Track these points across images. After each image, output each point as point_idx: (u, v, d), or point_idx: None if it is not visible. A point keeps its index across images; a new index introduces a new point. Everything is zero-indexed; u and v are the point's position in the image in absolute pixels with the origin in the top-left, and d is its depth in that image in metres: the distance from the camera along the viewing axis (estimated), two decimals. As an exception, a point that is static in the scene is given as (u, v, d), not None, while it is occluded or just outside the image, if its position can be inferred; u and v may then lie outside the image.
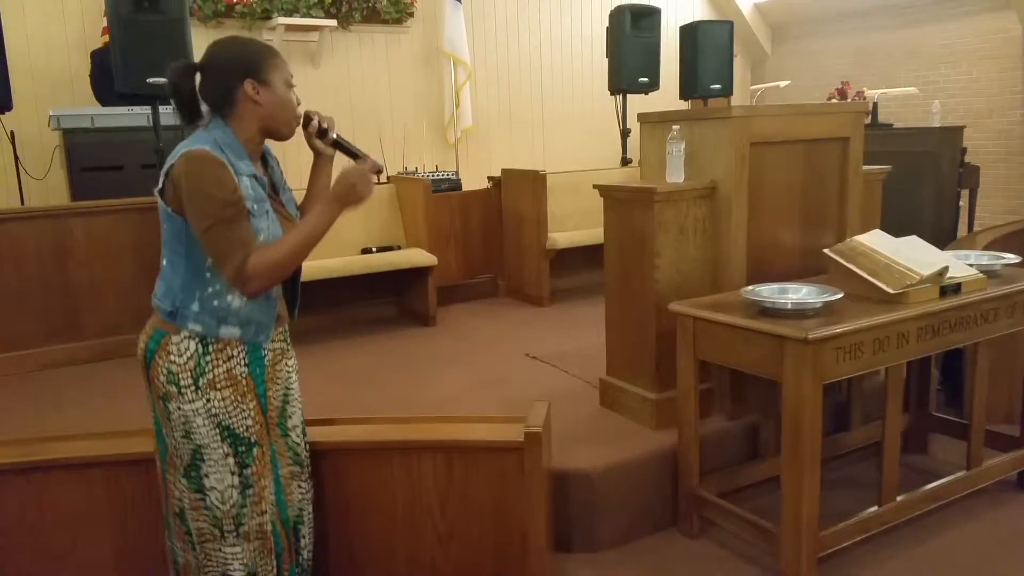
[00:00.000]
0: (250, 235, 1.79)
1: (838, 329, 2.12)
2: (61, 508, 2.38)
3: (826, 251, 2.59)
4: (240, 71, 1.81)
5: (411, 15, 6.57)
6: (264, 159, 1.97)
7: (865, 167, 3.07)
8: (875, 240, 2.55)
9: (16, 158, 4.66)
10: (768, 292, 2.37)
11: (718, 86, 5.95)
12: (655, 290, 2.73)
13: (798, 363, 2.10)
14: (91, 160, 4.64)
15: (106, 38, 4.88)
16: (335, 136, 2.00)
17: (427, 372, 3.67)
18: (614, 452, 2.63)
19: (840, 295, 2.30)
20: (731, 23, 6.13)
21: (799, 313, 2.24)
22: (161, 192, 1.79)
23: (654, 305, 2.74)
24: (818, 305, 2.26)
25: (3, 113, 4.08)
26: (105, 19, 4.76)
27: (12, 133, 4.53)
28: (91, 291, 3.91)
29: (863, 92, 6.32)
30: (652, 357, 2.80)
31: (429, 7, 6.65)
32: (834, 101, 6.17)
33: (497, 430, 2.37)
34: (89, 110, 4.80)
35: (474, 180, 5.85)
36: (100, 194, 4.21)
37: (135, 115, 4.64)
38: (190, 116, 1.85)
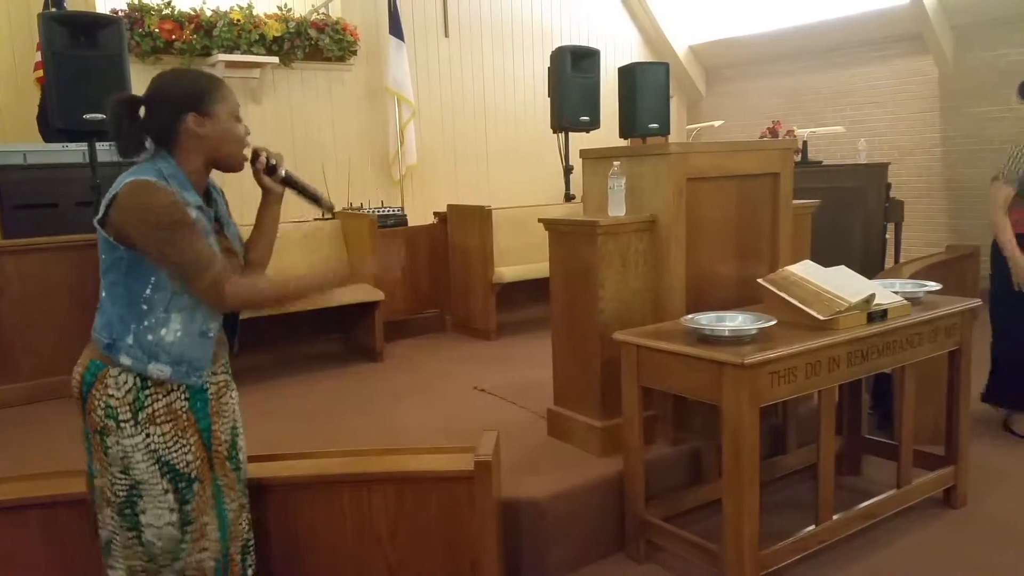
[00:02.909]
0: (210, 250, 1.79)
1: (772, 354, 2.22)
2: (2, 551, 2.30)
3: (760, 281, 2.71)
4: (184, 103, 1.80)
5: (354, 53, 6.64)
6: (208, 193, 1.94)
7: (796, 201, 3.23)
8: (806, 270, 2.68)
9: (-56, 195, 4.53)
10: (707, 320, 2.47)
11: (656, 125, 6.14)
12: (599, 320, 2.81)
13: (736, 387, 2.19)
14: (24, 197, 4.52)
15: (39, 73, 4.80)
16: (284, 173, 2.01)
17: (375, 407, 3.66)
18: (562, 480, 2.68)
19: (774, 322, 2.41)
20: (667, 64, 6.37)
21: (736, 340, 2.34)
22: (102, 222, 1.77)
23: (599, 335, 2.81)
24: (754, 332, 2.36)
25: None
26: (39, 53, 4.70)
27: None
28: (25, 331, 3.81)
29: (793, 131, 6.62)
30: (597, 386, 2.86)
31: (372, 46, 6.73)
32: (766, 139, 6.44)
33: (447, 460, 2.39)
34: (21, 146, 4.69)
35: (420, 216, 5.90)
36: (34, 232, 4.11)
37: (70, 151, 4.57)
38: (132, 149, 1.82)
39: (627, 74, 6.12)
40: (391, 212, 5.60)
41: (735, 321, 2.47)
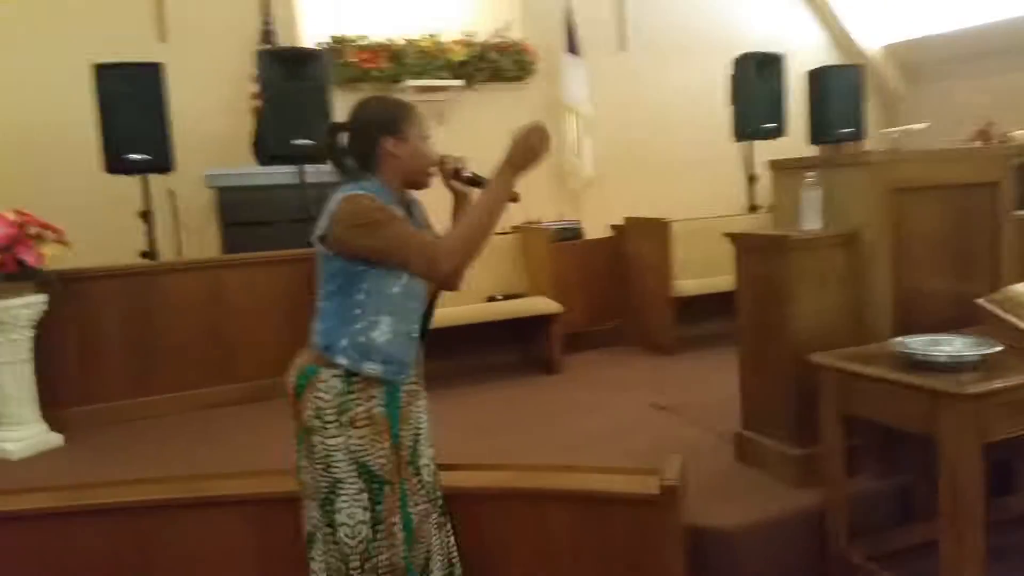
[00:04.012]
0: (423, 234, 1.93)
1: (999, 384, 1.99)
2: (214, 543, 2.53)
3: (979, 301, 2.44)
4: (381, 127, 1.97)
5: (533, 72, 6.78)
6: (408, 206, 2.09)
7: (1018, 212, 2.89)
8: (1035, 289, 2.39)
9: (175, 214, 5.09)
10: (919, 344, 2.25)
11: (849, 130, 5.78)
12: (794, 340, 2.65)
13: (955, 420, 1.98)
14: (242, 216, 4.96)
15: (255, 102, 5.30)
16: (469, 173, 2.10)
17: (552, 420, 3.67)
18: (753, 510, 2.54)
19: (1000, 348, 2.16)
20: (860, 66, 5.97)
21: (955, 367, 2.12)
22: (321, 237, 1.94)
23: (793, 356, 2.65)
24: (975, 358, 2.13)
25: (165, 174, 4.50)
26: (254, 84, 5.19)
27: (172, 192, 4.94)
28: (245, 336, 4.19)
29: (1008, 134, 5.95)
30: (792, 410, 2.70)
31: (550, 63, 6.83)
32: (976, 144, 5.85)
33: (630, 482, 2.35)
34: (240, 169, 5.18)
35: (597, 228, 5.89)
36: (249, 248, 4.52)
37: (282, 174, 4.94)
38: (343, 170, 2.03)
39: (817, 78, 5.80)
40: (568, 225, 5.64)
41: (952, 345, 2.23)
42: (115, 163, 4.29)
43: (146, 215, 4.47)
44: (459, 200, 2.14)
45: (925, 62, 7.81)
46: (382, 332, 1.96)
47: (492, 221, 1.90)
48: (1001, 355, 2.15)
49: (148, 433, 3.74)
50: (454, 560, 2.20)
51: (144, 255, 4.47)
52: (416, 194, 2.13)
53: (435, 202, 2.25)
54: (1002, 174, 2.81)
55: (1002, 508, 2.75)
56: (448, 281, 2.00)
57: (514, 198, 1.99)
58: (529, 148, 1.90)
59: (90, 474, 3.03)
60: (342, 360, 1.94)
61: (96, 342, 3.92)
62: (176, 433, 3.74)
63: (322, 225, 1.95)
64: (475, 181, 2.09)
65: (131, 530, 2.56)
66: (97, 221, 5.26)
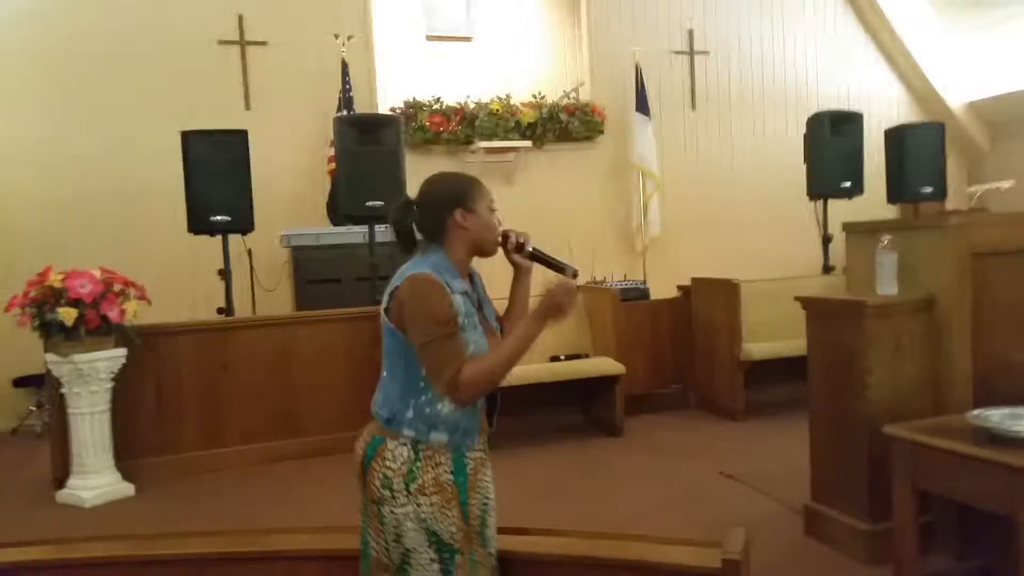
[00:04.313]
0: (462, 350, 1.92)
1: (1086, 464, 1.86)
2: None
3: (1069, 373, 2.30)
4: (450, 202, 2.01)
5: (601, 132, 6.85)
6: (471, 277, 2.12)
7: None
8: None
9: (252, 272, 5.30)
10: (999, 417, 2.14)
11: (929, 189, 5.59)
12: (867, 410, 2.55)
13: (1041, 501, 1.85)
14: (314, 273, 5.17)
15: (331, 166, 5.51)
16: (531, 249, 2.12)
17: (615, 485, 3.60)
18: (822, 587, 2.42)
19: (1086, 423, 2.02)
20: (942, 125, 5.81)
21: (1038, 443, 1.99)
22: (387, 310, 1.98)
23: (866, 427, 2.54)
24: (1061, 434, 1.99)
25: (246, 234, 4.70)
26: (331, 148, 5.41)
27: (250, 251, 5.16)
28: (310, 392, 4.27)
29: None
30: (864, 483, 2.58)
31: (619, 122, 6.90)
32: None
33: (692, 554, 2.26)
34: (315, 229, 5.40)
35: (662, 288, 5.83)
36: (321, 304, 4.66)
37: (352, 233, 5.14)
38: (409, 246, 2.06)
39: (895, 136, 5.67)
40: (633, 285, 5.61)
41: (1035, 420, 2.11)
42: (199, 224, 4.50)
43: (224, 273, 4.65)
44: (519, 274, 2.17)
45: (1011, 118, 7.55)
46: (447, 404, 1.96)
47: (516, 360, 1.97)
48: (1088, 431, 2.02)
49: (216, 484, 3.84)
50: None
51: (220, 311, 4.64)
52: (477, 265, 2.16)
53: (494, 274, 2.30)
54: (1091, 237, 2.67)
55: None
56: (459, 404, 1.97)
57: (574, 275, 2.06)
58: (556, 305, 1.95)
59: (158, 524, 3.12)
60: (408, 432, 1.95)
61: (171, 395, 4.07)
62: (242, 485, 3.83)
63: (386, 299, 1.99)
64: (537, 256, 2.12)
65: None
66: (179, 279, 5.55)
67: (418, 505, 1.93)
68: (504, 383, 2.20)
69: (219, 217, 4.48)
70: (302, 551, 2.57)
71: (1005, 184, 6.62)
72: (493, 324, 2.14)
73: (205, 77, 5.84)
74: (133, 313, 3.69)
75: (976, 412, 2.20)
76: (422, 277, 1.93)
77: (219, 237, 4.64)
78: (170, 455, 4.02)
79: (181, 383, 4.09)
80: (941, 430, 2.24)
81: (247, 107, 5.94)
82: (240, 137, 4.56)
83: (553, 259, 2.12)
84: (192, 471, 3.99)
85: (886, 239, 2.65)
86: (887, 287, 2.63)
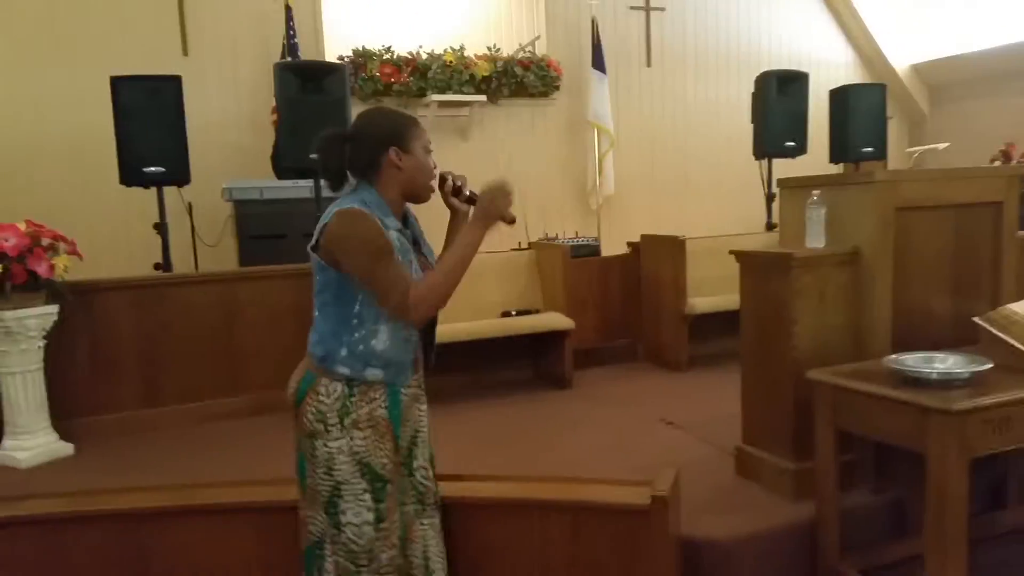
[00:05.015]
0: (405, 270, 1.95)
1: (986, 401, 2.00)
2: (215, 551, 2.57)
3: (977, 319, 2.44)
4: (386, 140, 2.00)
5: (557, 88, 6.84)
6: (406, 217, 2.14)
7: (1021, 232, 2.88)
8: (1034, 309, 2.38)
9: (192, 226, 5.19)
10: (913, 361, 2.26)
11: (871, 149, 5.74)
12: (793, 357, 2.66)
13: (943, 436, 1.98)
14: (258, 229, 5.03)
15: (275, 116, 5.37)
16: (468, 192, 2.14)
17: (559, 434, 3.70)
18: (749, 523, 2.55)
19: (989, 365, 2.16)
20: (884, 86, 5.95)
21: (945, 384, 2.13)
22: (315, 247, 1.99)
23: (792, 373, 2.66)
24: (965, 375, 2.13)
25: (182, 186, 4.55)
26: (274, 99, 5.28)
27: (190, 204, 5.02)
28: (254, 349, 4.21)
29: (1030, 153, 5.89)
30: (790, 426, 2.71)
31: (574, 79, 6.89)
32: (997, 163, 5.78)
33: (623, 493, 2.38)
34: (258, 183, 5.25)
35: (615, 245, 5.91)
36: (265, 260, 4.54)
37: (298, 188, 5.04)
38: (337, 182, 2.05)
39: (839, 97, 5.79)
40: (585, 242, 5.67)
41: (945, 363, 2.24)
42: (131, 176, 4.32)
43: (160, 227, 4.51)
44: (456, 217, 2.18)
45: (951, 82, 7.75)
46: (380, 340, 2.00)
47: (462, 271, 1.99)
48: (991, 373, 2.15)
49: (157, 443, 3.78)
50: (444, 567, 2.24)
51: (158, 267, 4.53)
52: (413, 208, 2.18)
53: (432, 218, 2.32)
54: (1007, 194, 2.80)
55: (995, 522, 2.73)
56: (413, 323, 2.01)
57: (510, 221, 2.07)
58: (493, 208, 1.99)
59: (96, 483, 3.05)
60: (343, 369, 1.99)
61: (108, 353, 3.95)
62: (184, 444, 3.78)
63: (316, 235, 2.00)
64: (474, 200, 2.12)
65: (132, 538, 2.60)
66: (114, 233, 5.42)
67: (351, 439, 1.99)
68: (455, 338, 2.26)
69: (153, 168, 4.29)
70: (239, 503, 2.61)
71: (941, 145, 6.82)
72: (432, 262, 2.15)
73: (138, 20, 5.61)
74: (64, 268, 3.53)
75: (893, 356, 2.33)
76: (351, 211, 1.93)
77: (155, 190, 4.48)
78: (109, 414, 3.93)
79: (119, 341, 3.97)
80: (861, 374, 2.36)
81: (184, 52, 5.73)
82: (174, 83, 4.36)
83: None
84: (133, 430, 3.91)
85: (816, 195, 2.74)
86: (815, 240, 2.74)
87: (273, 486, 2.64)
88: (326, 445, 1.99)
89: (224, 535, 2.56)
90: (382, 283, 1.92)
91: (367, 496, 2.01)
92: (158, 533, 2.58)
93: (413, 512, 2.18)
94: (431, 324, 2.18)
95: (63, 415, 3.73)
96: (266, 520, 2.55)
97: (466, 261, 1.99)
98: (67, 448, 3.64)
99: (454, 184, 2.13)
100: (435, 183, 2.11)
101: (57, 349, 3.69)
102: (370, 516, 2.01)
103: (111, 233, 5.42)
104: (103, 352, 3.95)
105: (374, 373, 2.01)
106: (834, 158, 5.88)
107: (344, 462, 1.99)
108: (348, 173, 2.05)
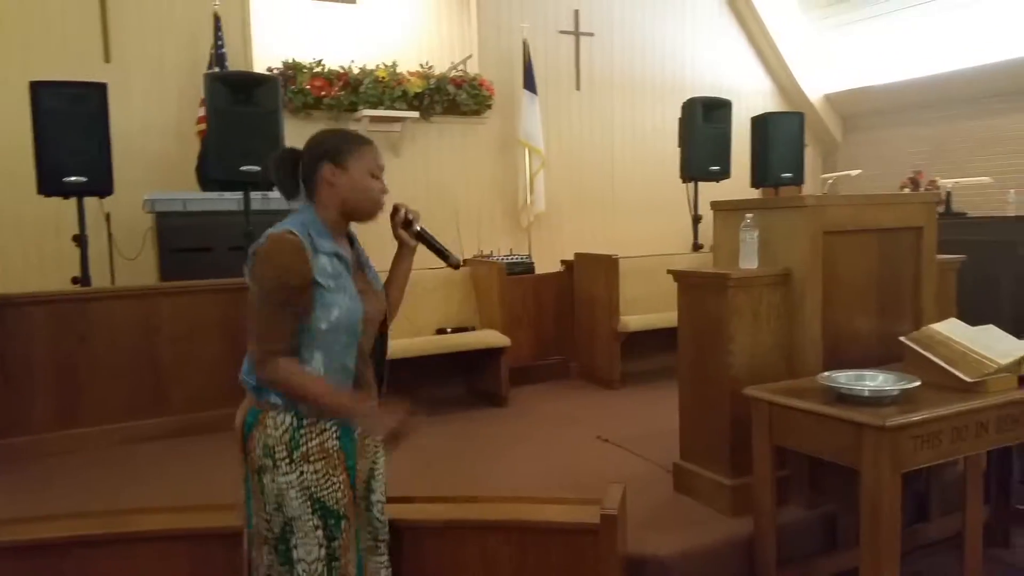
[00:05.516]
0: (287, 328, 1.87)
1: (916, 417, 2.11)
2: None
3: (902, 339, 2.57)
4: (323, 154, 1.98)
5: (489, 107, 6.90)
6: (351, 238, 2.09)
7: (940, 256, 3.06)
8: (951, 328, 2.54)
9: (110, 239, 4.96)
10: (845, 379, 2.37)
11: (789, 175, 6.00)
12: (729, 375, 2.75)
13: (876, 451, 2.08)
14: (181, 242, 4.81)
15: (202, 126, 5.23)
16: (419, 228, 2.12)
17: (499, 453, 3.70)
18: (689, 538, 2.61)
19: (918, 383, 2.28)
20: (802, 114, 6.23)
21: (876, 400, 2.23)
22: (252, 270, 1.93)
23: (728, 390, 2.75)
24: (895, 392, 2.24)
25: (104, 197, 4.36)
26: (202, 108, 5.10)
27: (108, 215, 4.80)
28: (177, 367, 4.01)
29: (935, 181, 6.27)
30: (727, 442, 2.78)
31: (506, 99, 6.97)
32: (906, 190, 6.14)
33: (572, 511, 2.39)
34: (181, 194, 5.04)
35: (547, 263, 5.98)
36: (189, 275, 4.35)
37: (225, 200, 4.86)
38: (291, 194, 2.02)
39: (760, 124, 6.03)
40: (519, 260, 5.71)
41: (875, 380, 2.35)
42: (50, 185, 4.12)
43: (80, 239, 4.30)
44: (403, 250, 2.15)
45: (862, 112, 8.20)
46: (314, 369, 1.91)
47: (313, 402, 1.90)
48: (919, 390, 2.28)
49: (74, 467, 3.56)
50: None
51: (76, 281, 4.31)
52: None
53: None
54: (927, 220, 2.98)
55: (919, 534, 2.88)
56: (257, 376, 1.92)
57: (455, 265, 2.13)
58: (390, 433, 1.95)
59: (12, 511, 2.83)
60: (276, 400, 1.89)
61: (21, 371, 3.72)
62: (104, 467, 3.56)
63: (249, 257, 1.93)
64: (423, 237, 2.11)
65: (53, 571, 2.43)
66: (27, 246, 5.15)
67: (302, 473, 1.90)
68: (390, 356, 2.21)
69: (73, 178, 4.10)
70: (171, 530, 2.48)
71: (854, 172, 7.20)
72: (378, 286, 2.10)
73: (58, 24, 5.38)
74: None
75: (826, 374, 2.43)
76: (279, 237, 1.87)
77: (73, 200, 4.27)
78: (22, 436, 3.69)
79: (32, 358, 3.74)
80: (795, 391, 2.45)
81: (107, 59, 5.53)
82: (98, 91, 4.20)
83: (439, 244, 2.13)
84: (48, 452, 3.68)
85: (749, 218, 2.85)
86: (749, 261, 2.84)
87: (209, 512, 2.53)
88: (274, 480, 1.89)
89: (157, 566, 2.44)
90: (262, 325, 1.86)
91: (319, 533, 1.92)
92: (83, 565, 2.43)
93: (367, 549, 2.12)
94: (382, 351, 2.14)
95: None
96: (202, 549, 2.44)
97: (323, 405, 1.91)
98: (-27, 474, 3.39)
99: (406, 217, 2.11)
100: (377, 206, 2.05)
101: (-37, 367, 3.44)
102: (322, 554, 1.92)
103: (23, 246, 5.14)
104: (16, 370, 3.72)
105: (307, 407, 1.91)
106: (755, 183, 6.12)
107: (294, 497, 1.89)
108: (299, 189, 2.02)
